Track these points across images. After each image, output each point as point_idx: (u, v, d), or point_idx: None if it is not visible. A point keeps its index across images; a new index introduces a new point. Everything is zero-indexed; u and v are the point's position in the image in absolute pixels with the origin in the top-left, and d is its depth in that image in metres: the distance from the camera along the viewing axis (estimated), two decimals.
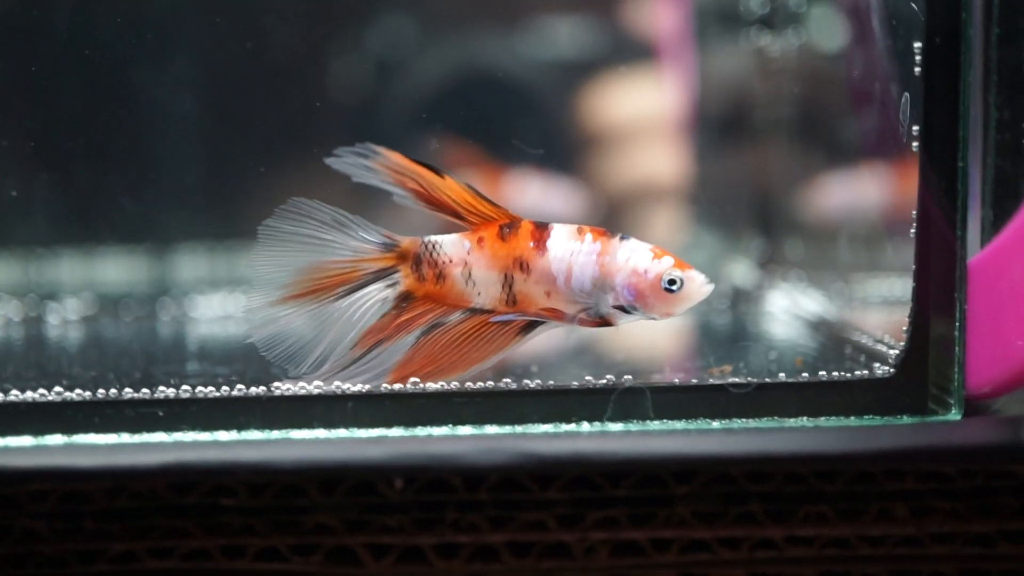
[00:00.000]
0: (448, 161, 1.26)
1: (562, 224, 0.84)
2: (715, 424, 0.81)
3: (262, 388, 0.82)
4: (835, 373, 0.84)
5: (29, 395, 0.81)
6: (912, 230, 0.82)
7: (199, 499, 0.77)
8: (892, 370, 0.83)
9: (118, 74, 1.30)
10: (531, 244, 0.82)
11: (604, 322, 0.83)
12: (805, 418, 0.82)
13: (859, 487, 0.78)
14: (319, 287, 0.83)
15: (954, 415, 0.82)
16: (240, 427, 0.81)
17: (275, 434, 0.79)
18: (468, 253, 0.83)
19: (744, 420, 0.81)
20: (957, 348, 0.82)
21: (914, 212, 0.82)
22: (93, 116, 1.30)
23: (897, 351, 0.84)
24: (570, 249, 0.82)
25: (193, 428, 0.80)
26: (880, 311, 1.01)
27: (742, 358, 0.99)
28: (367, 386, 0.82)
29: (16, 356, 1.12)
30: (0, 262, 1.33)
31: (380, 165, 0.82)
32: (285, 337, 0.82)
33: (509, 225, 0.83)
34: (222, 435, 0.80)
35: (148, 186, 1.36)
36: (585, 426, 0.81)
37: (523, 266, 0.82)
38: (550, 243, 0.82)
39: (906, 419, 0.82)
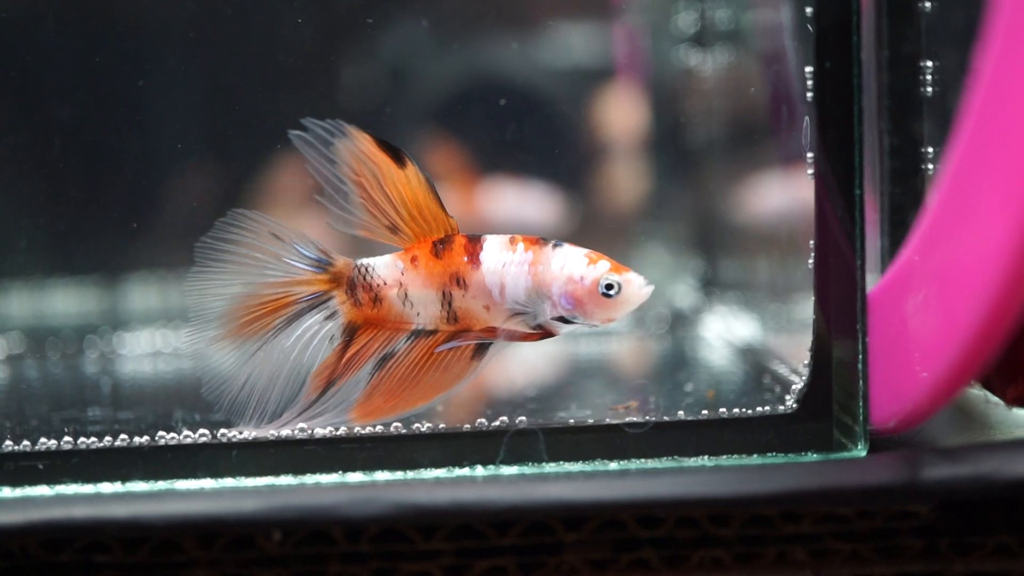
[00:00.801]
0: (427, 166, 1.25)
1: (495, 235, 0.81)
2: (612, 465, 0.78)
3: (146, 438, 0.79)
4: (736, 409, 0.81)
5: None
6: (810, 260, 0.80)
7: (73, 556, 0.74)
8: (795, 404, 0.80)
9: (56, 99, 1.28)
10: (465, 258, 0.80)
11: (546, 333, 0.81)
12: (706, 457, 0.79)
13: (755, 530, 0.76)
14: (254, 317, 0.81)
15: (859, 451, 0.79)
16: (123, 478, 0.78)
17: (155, 486, 0.77)
18: (402, 273, 0.81)
19: (642, 461, 0.79)
20: (861, 381, 0.79)
21: (811, 241, 0.80)
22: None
23: (801, 384, 0.81)
24: (502, 260, 0.80)
25: (75, 480, 0.78)
26: (803, 337, 0.99)
27: (641, 396, 0.96)
28: (329, 428, 0.79)
29: None
30: None
31: (345, 148, 0.79)
32: (232, 385, 0.80)
33: (442, 241, 0.81)
34: (104, 487, 0.77)
35: (90, 215, 1.34)
36: (479, 470, 0.79)
37: (460, 281, 0.80)
38: (483, 256, 0.80)
39: (811, 455, 0.79)
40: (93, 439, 0.80)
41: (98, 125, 1.28)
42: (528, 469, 0.78)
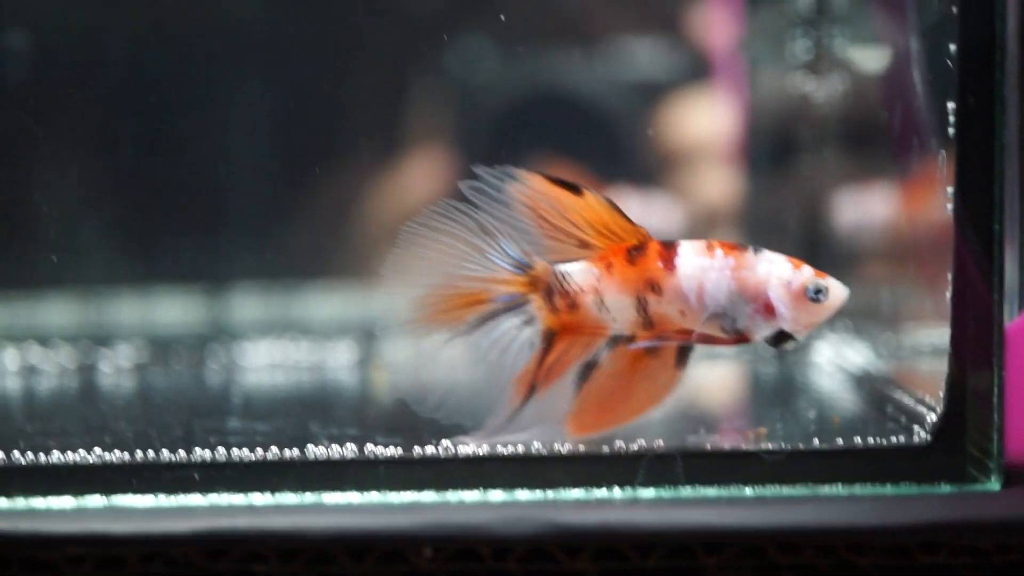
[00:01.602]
0: None
1: (689, 241, 0.83)
2: (747, 491, 0.80)
3: (296, 451, 0.82)
4: (870, 439, 0.83)
5: (70, 456, 0.83)
6: (948, 293, 0.81)
7: (232, 565, 0.78)
8: (929, 436, 0.82)
9: (168, 114, 1.32)
10: (660, 264, 0.82)
11: (741, 338, 0.82)
12: (839, 485, 0.81)
13: (893, 560, 0.77)
14: (449, 308, 0.82)
15: (993, 484, 0.80)
16: (273, 489, 0.82)
17: (307, 498, 0.80)
18: (598, 280, 0.82)
19: (777, 487, 0.81)
20: (996, 414, 0.80)
21: (950, 275, 0.81)
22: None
23: (935, 415, 0.82)
24: (700, 266, 0.81)
25: (227, 490, 0.82)
26: (925, 365, 0.99)
27: (767, 423, 0.97)
28: (545, 440, 0.81)
29: (63, 410, 1.14)
30: (54, 305, 1.36)
31: (516, 191, 0.81)
32: (431, 389, 0.82)
33: (636, 248, 0.82)
34: (257, 498, 0.81)
35: (204, 225, 1.37)
36: (616, 492, 0.81)
37: (655, 287, 0.82)
38: (678, 261, 0.81)
39: (944, 487, 0.81)
40: (245, 450, 0.83)
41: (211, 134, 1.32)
42: (665, 492, 0.80)
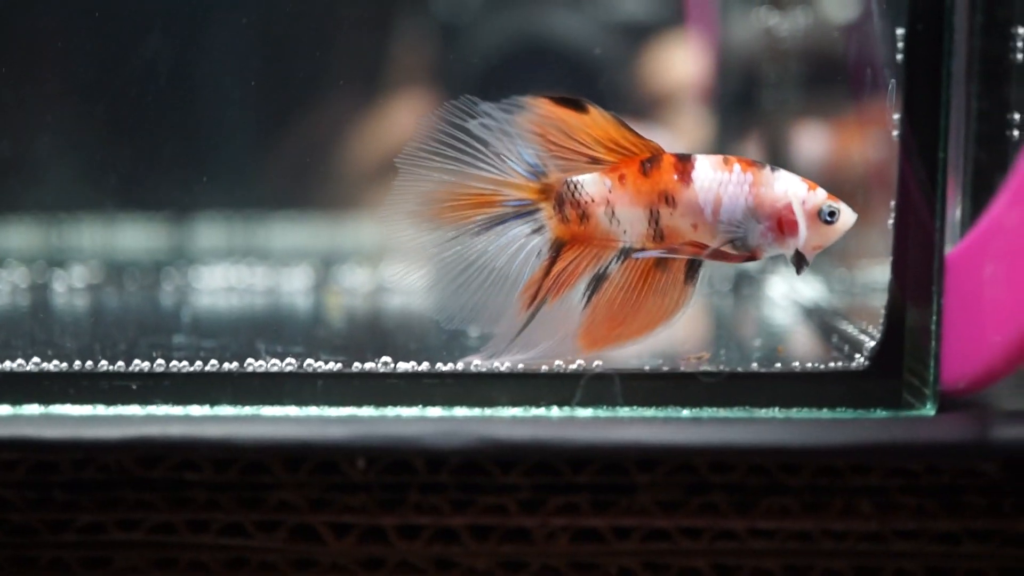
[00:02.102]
0: None
1: (706, 155, 0.82)
2: (685, 412, 0.80)
3: (235, 364, 0.82)
4: (808, 364, 0.83)
5: (7, 365, 0.82)
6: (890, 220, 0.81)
7: (165, 473, 0.78)
8: (866, 362, 0.82)
9: (136, 43, 1.31)
10: (675, 177, 0.81)
11: (750, 256, 0.82)
12: (776, 409, 0.81)
13: (824, 480, 0.78)
14: (457, 206, 0.81)
15: (928, 410, 0.81)
16: (212, 402, 0.81)
17: (244, 410, 0.80)
18: (610, 191, 0.81)
19: (714, 409, 0.81)
20: (933, 342, 0.81)
21: (892, 203, 0.81)
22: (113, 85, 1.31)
23: (874, 342, 0.83)
24: (718, 180, 0.81)
25: (166, 402, 0.81)
26: (875, 299, 1.00)
27: (711, 349, 0.98)
28: (557, 358, 0.81)
29: (10, 325, 1.13)
30: (10, 228, 1.35)
31: (523, 119, 0.80)
32: (425, 272, 0.82)
33: (650, 160, 0.81)
34: (194, 410, 0.81)
35: (165, 153, 1.36)
36: (554, 411, 0.81)
37: (668, 199, 0.81)
38: (695, 174, 0.81)
39: (879, 412, 0.81)
40: (184, 363, 0.83)
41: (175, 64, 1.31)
42: (603, 412, 0.80)
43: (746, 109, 1.35)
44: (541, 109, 0.80)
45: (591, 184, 0.82)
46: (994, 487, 0.77)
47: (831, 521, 0.77)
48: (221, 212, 1.39)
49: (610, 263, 0.82)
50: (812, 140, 1.23)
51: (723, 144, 1.36)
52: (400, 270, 0.83)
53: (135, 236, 1.38)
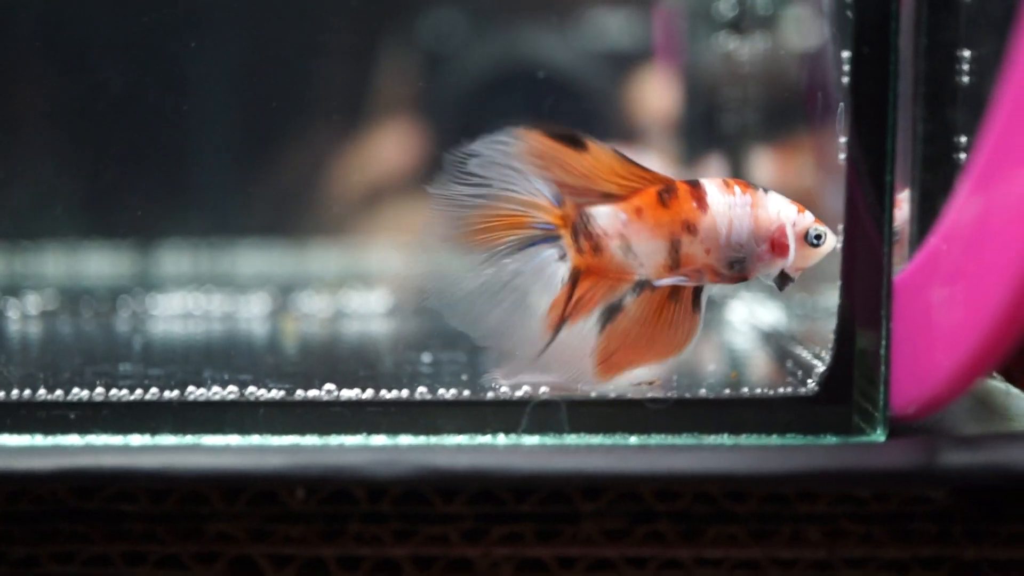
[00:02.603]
0: None
1: (709, 179, 0.82)
2: (632, 439, 0.79)
3: (176, 393, 0.81)
4: (758, 390, 0.82)
5: None
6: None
7: (101, 504, 0.76)
8: (816, 387, 0.81)
9: (97, 70, 1.30)
10: (694, 204, 0.81)
11: (741, 277, 0.82)
12: (726, 435, 0.80)
13: (771, 508, 0.76)
14: (489, 227, 0.81)
15: (878, 436, 0.80)
16: (152, 431, 0.80)
17: (182, 440, 0.79)
18: (624, 225, 0.81)
19: (663, 436, 0.80)
20: (883, 366, 0.80)
21: (840, 227, 0.80)
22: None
23: (823, 367, 0.82)
24: (727, 203, 0.81)
25: (105, 431, 0.80)
26: (831, 323, 0.99)
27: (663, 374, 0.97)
28: (574, 384, 0.81)
29: None
30: None
31: (520, 151, 0.80)
32: (455, 293, 0.81)
33: (667, 190, 0.81)
34: (133, 439, 0.79)
35: (125, 180, 1.36)
36: (500, 438, 0.80)
37: (690, 228, 0.81)
38: (709, 200, 0.81)
39: (829, 438, 0.80)
40: (124, 391, 0.81)
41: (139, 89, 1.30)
42: (549, 439, 0.79)
43: (709, 133, 1.35)
44: (535, 143, 0.80)
45: (604, 217, 0.81)
46: (943, 514, 0.76)
47: (779, 549, 0.76)
48: (181, 239, 1.39)
49: (625, 295, 0.82)
50: (770, 163, 1.23)
51: (690, 166, 1.37)
52: (430, 293, 0.83)
53: (93, 263, 1.36)
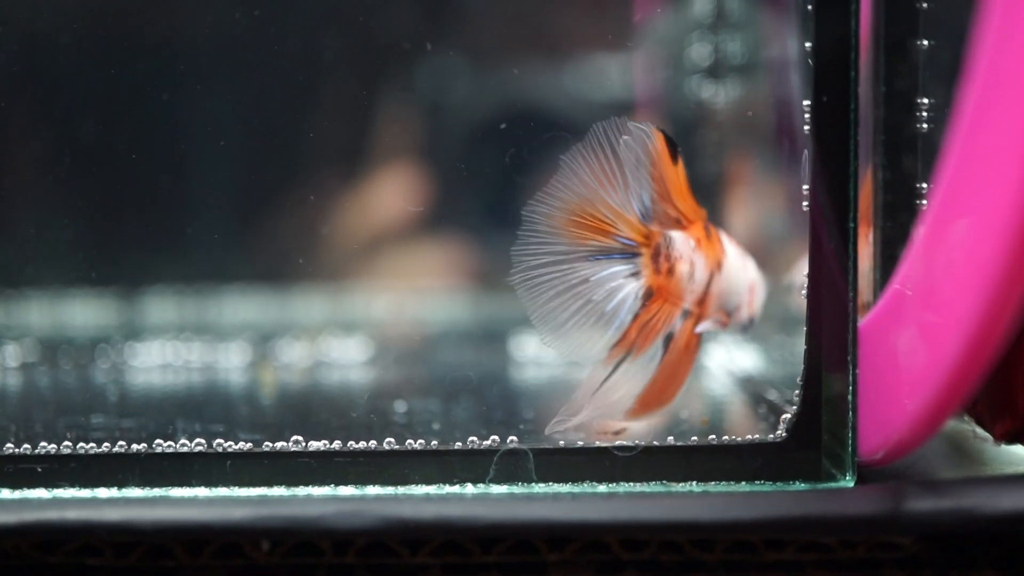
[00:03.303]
0: None
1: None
2: (599, 488, 0.79)
3: (143, 445, 0.81)
4: (726, 436, 0.82)
5: None
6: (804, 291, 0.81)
7: (65, 558, 0.76)
8: (785, 433, 0.81)
9: (85, 117, 1.31)
10: (722, 244, 0.84)
11: (733, 322, 0.85)
12: (694, 483, 0.80)
13: (739, 556, 0.76)
14: (582, 225, 0.81)
15: (847, 481, 0.79)
16: (120, 484, 0.80)
17: (147, 492, 0.79)
18: (692, 251, 0.83)
19: (631, 484, 0.80)
20: (850, 412, 0.80)
21: (806, 274, 0.80)
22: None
23: (793, 413, 0.82)
24: (735, 248, 0.85)
25: (72, 485, 0.80)
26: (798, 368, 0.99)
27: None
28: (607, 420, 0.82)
29: None
30: None
31: (652, 148, 0.81)
32: (538, 297, 0.82)
33: (708, 226, 0.84)
34: (100, 492, 0.79)
35: (106, 229, 1.36)
36: (468, 488, 0.79)
37: (720, 266, 0.83)
38: (724, 242, 0.84)
39: (798, 484, 0.80)
40: (92, 445, 0.81)
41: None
42: (517, 489, 0.79)
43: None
44: (659, 142, 0.81)
45: (680, 242, 0.83)
46: (912, 561, 0.76)
47: None
48: (164, 287, 1.39)
49: (676, 323, 0.83)
50: (744, 207, 1.23)
51: None
52: (517, 270, 0.83)
53: (75, 312, 1.36)
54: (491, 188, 1.36)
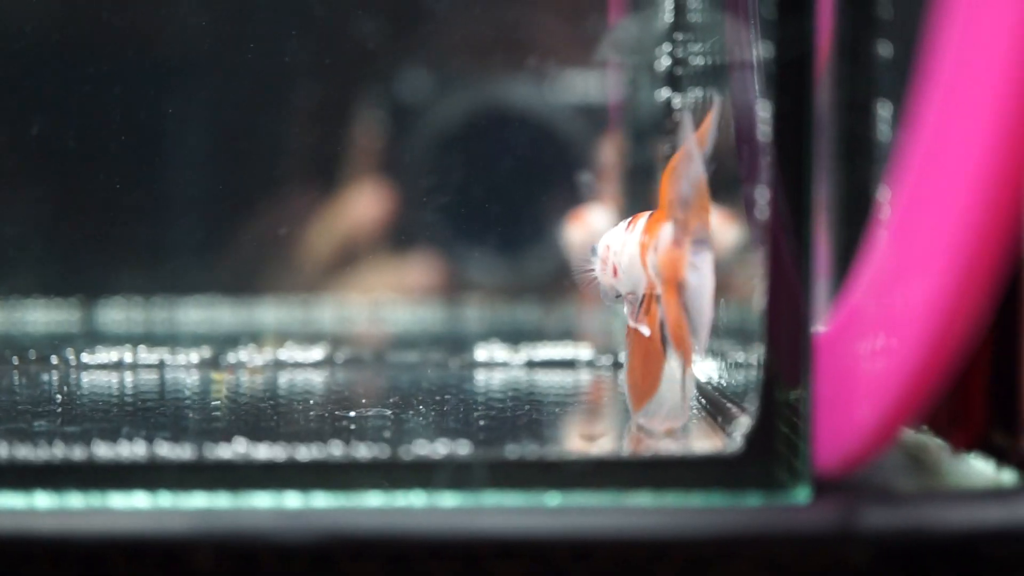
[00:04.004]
0: None
1: None
2: (550, 500, 0.78)
3: (84, 451, 0.79)
4: (681, 446, 0.81)
5: None
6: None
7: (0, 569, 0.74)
8: (741, 444, 0.80)
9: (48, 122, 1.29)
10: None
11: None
12: (648, 494, 0.79)
13: (692, 571, 0.75)
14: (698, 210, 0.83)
15: (803, 492, 0.78)
16: (58, 491, 0.78)
17: (87, 501, 0.76)
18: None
19: (583, 495, 0.78)
20: (806, 423, 0.79)
21: (763, 284, 0.79)
22: None
23: (749, 424, 0.80)
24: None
25: (9, 491, 0.77)
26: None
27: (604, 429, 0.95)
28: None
29: None
30: None
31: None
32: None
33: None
34: (39, 500, 0.77)
35: (61, 234, 1.34)
36: (415, 499, 0.78)
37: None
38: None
39: (753, 495, 0.79)
40: (30, 450, 0.79)
41: None
42: (466, 500, 0.77)
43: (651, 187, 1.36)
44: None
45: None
46: (867, 573, 0.75)
47: None
48: (120, 292, 1.37)
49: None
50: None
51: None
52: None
53: (30, 318, 1.34)
54: (458, 199, 1.35)
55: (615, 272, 0.89)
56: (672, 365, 0.88)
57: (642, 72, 1.36)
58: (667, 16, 1.28)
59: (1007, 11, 0.56)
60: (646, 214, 0.90)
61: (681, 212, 0.84)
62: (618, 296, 0.91)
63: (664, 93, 1.30)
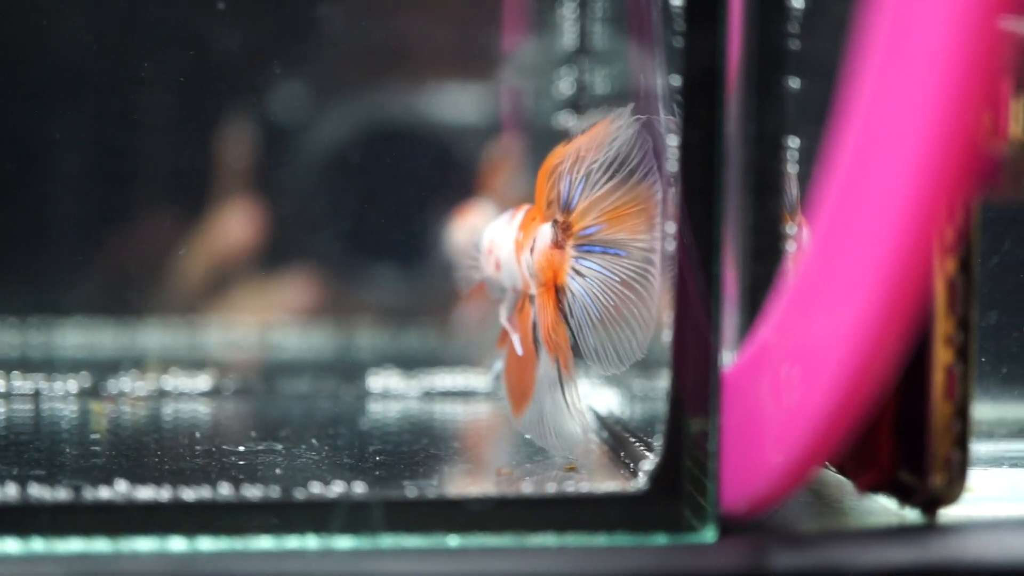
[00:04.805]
0: None
1: None
2: (452, 540, 0.74)
3: None
4: (584, 486, 0.79)
5: None
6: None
7: None
8: (646, 483, 0.78)
9: None
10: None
11: None
12: (551, 535, 0.76)
13: None
14: None
15: (709, 534, 0.77)
16: None
17: None
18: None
19: (484, 536, 0.75)
20: (713, 462, 0.77)
21: (669, 319, 0.77)
22: None
23: (655, 461, 0.79)
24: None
25: None
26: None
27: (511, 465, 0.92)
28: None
29: None
30: None
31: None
32: None
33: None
34: None
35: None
36: (310, 541, 0.74)
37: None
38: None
39: (659, 536, 0.77)
40: None
41: None
42: (363, 542, 0.74)
43: None
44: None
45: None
46: None
47: None
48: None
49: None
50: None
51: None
52: None
53: None
54: (344, 216, 1.32)
55: (497, 266, 0.87)
56: (547, 368, 0.85)
57: (543, 94, 1.35)
58: (569, 40, 1.27)
59: (930, 44, 0.55)
60: (525, 207, 0.88)
61: (561, 214, 0.82)
62: (503, 290, 0.89)
63: (564, 117, 1.28)
